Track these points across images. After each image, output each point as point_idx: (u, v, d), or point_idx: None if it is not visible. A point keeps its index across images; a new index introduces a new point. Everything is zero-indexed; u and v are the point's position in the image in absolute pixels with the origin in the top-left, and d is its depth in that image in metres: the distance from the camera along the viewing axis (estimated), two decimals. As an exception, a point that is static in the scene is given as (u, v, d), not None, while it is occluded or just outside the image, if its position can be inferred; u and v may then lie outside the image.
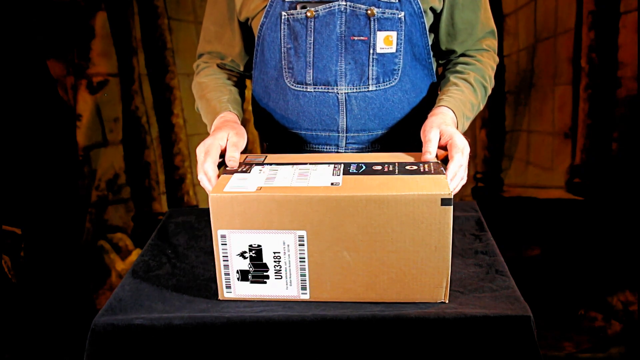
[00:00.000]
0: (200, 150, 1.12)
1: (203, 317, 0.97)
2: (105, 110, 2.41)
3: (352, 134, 1.29)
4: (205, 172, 1.08)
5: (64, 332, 2.26)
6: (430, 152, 1.09)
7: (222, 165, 1.12)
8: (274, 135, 1.38)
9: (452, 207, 0.94)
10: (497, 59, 1.37)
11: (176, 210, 1.45)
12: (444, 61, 1.38)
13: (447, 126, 1.12)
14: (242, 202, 0.96)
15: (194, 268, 1.16)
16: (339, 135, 1.29)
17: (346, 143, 1.30)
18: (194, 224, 1.37)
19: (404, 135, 1.32)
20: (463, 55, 1.34)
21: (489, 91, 1.34)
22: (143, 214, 2.51)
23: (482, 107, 1.32)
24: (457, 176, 1.07)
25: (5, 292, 2.30)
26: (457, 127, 1.19)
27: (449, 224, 0.95)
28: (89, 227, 2.46)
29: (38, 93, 2.33)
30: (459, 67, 1.32)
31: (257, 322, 0.96)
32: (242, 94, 1.39)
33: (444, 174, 1.01)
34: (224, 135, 1.14)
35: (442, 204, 0.94)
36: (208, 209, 0.98)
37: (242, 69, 1.40)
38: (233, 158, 1.11)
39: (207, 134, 1.27)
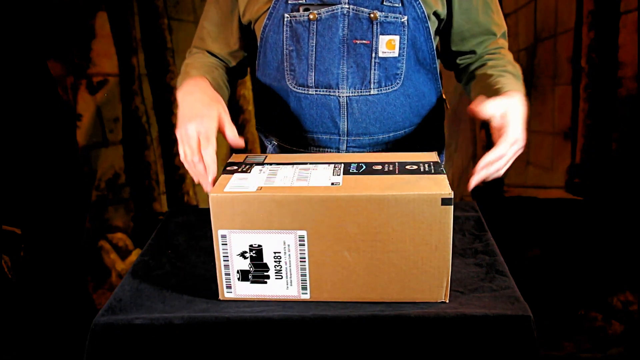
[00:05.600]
0: (192, 132, 1.04)
1: (203, 317, 0.97)
2: (105, 110, 2.41)
3: (353, 137, 1.29)
4: (207, 162, 1.03)
5: (64, 332, 2.26)
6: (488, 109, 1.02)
7: None
8: (276, 136, 1.38)
9: (452, 206, 0.94)
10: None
11: (176, 210, 1.45)
12: (463, 65, 1.34)
13: (512, 105, 1.05)
14: (242, 202, 0.96)
15: (194, 268, 1.16)
16: (339, 139, 1.29)
17: (347, 146, 1.30)
18: (194, 224, 1.37)
19: (406, 139, 1.31)
20: (482, 57, 1.31)
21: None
22: (143, 214, 2.51)
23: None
24: (493, 165, 1.02)
25: (5, 292, 2.30)
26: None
27: (449, 223, 0.95)
28: (89, 227, 2.45)
29: (38, 93, 2.32)
30: (485, 61, 1.28)
31: (257, 322, 0.96)
32: (230, 81, 1.36)
33: (444, 173, 1.01)
34: (214, 112, 1.07)
35: (442, 204, 0.94)
36: (208, 209, 0.98)
37: (233, 64, 1.38)
38: (237, 141, 1.07)
39: None
